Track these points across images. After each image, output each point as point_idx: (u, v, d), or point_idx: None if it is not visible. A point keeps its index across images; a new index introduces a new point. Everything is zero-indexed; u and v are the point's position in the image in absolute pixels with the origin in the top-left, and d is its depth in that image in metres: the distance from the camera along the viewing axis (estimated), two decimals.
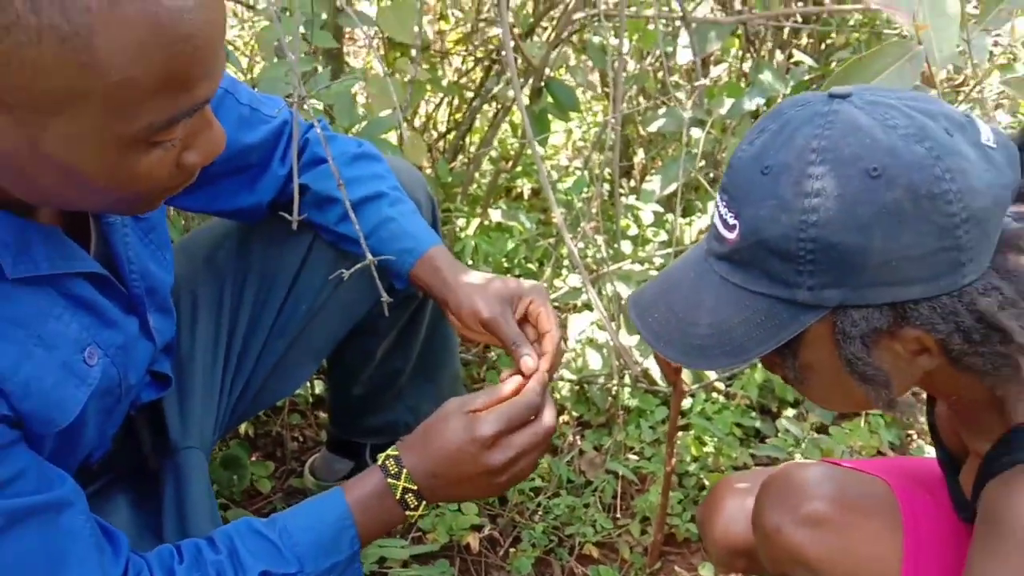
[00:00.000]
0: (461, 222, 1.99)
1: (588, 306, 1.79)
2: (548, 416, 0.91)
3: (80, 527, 0.76)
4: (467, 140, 2.30)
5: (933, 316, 0.65)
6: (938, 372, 0.71)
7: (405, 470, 0.89)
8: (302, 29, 1.37)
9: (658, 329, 0.74)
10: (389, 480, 0.89)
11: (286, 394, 1.35)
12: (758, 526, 1.00)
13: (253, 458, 1.56)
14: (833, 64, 1.80)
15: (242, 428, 1.58)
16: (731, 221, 0.69)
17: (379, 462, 0.90)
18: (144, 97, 0.61)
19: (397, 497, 0.88)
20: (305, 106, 1.03)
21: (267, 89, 1.29)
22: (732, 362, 0.71)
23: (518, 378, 0.93)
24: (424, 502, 0.90)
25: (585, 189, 1.80)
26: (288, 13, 1.29)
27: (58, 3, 0.56)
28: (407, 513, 0.90)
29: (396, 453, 0.90)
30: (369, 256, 0.99)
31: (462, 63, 2.33)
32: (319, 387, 1.71)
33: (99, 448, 0.93)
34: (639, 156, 2.35)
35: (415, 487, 0.89)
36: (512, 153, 2.36)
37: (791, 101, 0.70)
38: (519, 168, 2.30)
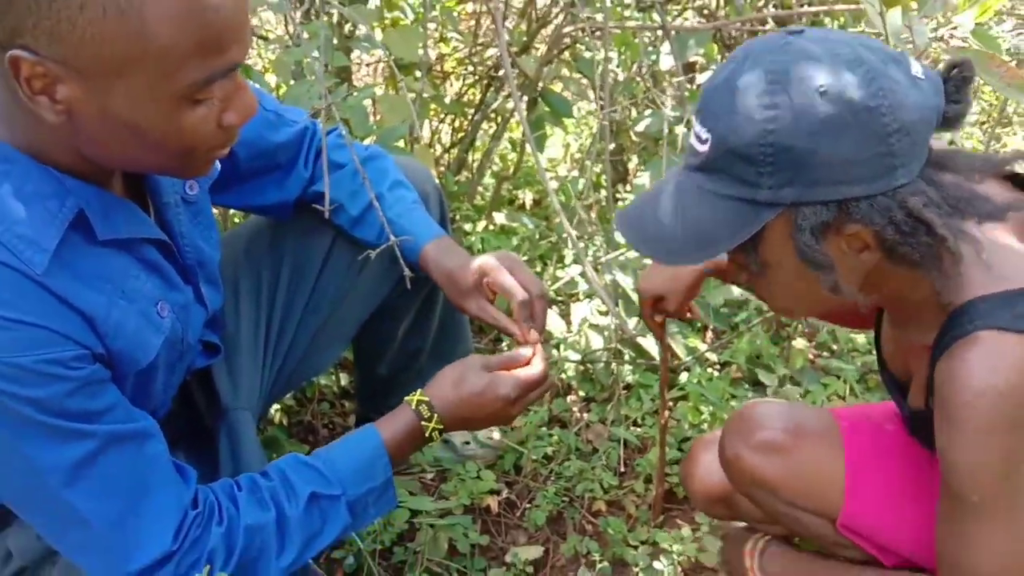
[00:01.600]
0: (468, 226, 2.14)
1: (589, 295, 1.94)
2: (542, 367, 1.12)
3: (161, 454, 0.91)
4: (470, 155, 2.47)
5: (871, 212, 0.78)
6: (878, 270, 0.84)
7: (436, 415, 1.07)
8: (315, 53, 1.54)
9: (641, 234, 0.87)
10: (423, 423, 1.06)
11: (320, 371, 1.51)
12: (722, 457, 1.14)
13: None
14: None
15: (276, 416, 1.73)
16: (704, 136, 0.82)
17: (412, 406, 1.07)
18: (185, 58, 0.76)
19: (427, 435, 1.06)
20: (329, 115, 1.19)
21: (292, 105, 1.46)
22: (704, 255, 0.84)
23: (525, 350, 1.14)
24: (438, 415, 1.07)
25: (580, 185, 1.95)
26: (307, 36, 1.46)
27: None
28: (422, 423, 1.07)
29: (427, 399, 1.07)
30: (393, 238, 1.16)
31: (462, 84, 2.51)
32: (344, 379, 1.86)
33: (162, 407, 1.08)
34: (633, 161, 2.51)
35: (442, 426, 1.06)
36: (512, 166, 2.53)
37: (755, 39, 0.84)
38: (520, 178, 2.46)
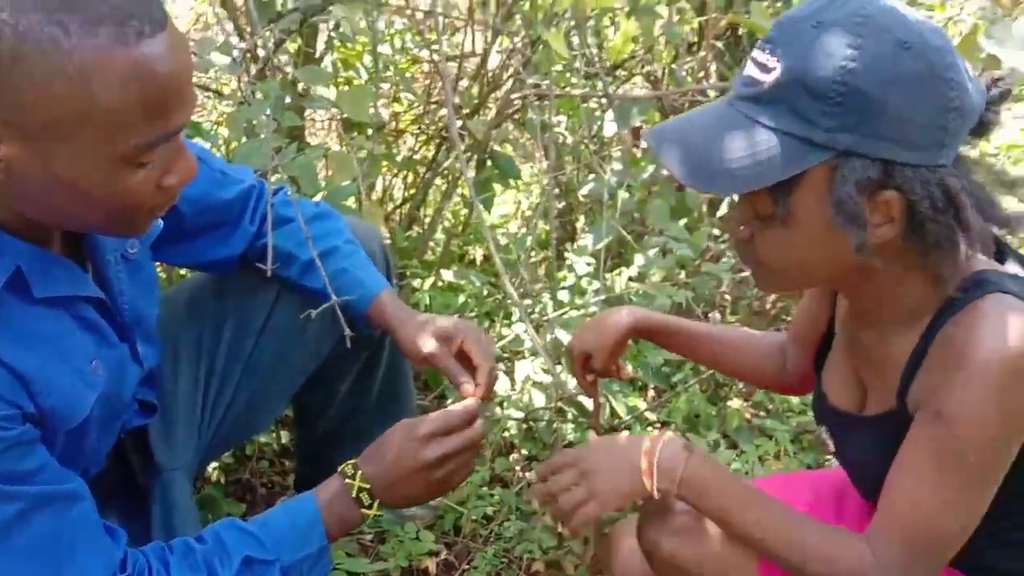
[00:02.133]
0: (417, 282, 2.17)
1: (533, 352, 1.97)
2: (478, 425, 1.09)
3: (90, 516, 0.90)
4: (421, 211, 2.50)
5: (914, 180, 0.79)
6: (887, 248, 0.83)
7: (360, 472, 1.06)
8: (268, 111, 1.57)
9: (676, 152, 0.83)
10: (347, 480, 1.05)
11: (260, 430, 1.50)
12: (641, 544, 1.10)
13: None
14: None
15: (214, 475, 1.71)
16: (772, 64, 0.80)
17: (345, 474, 1.07)
18: (131, 123, 0.78)
19: (353, 495, 1.05)
20: (274, 175, 1.22)
21: (241, 163, 1.48)
22: (739, 188, 0.82)
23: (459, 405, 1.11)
24: (377, 501, 1.05)
25: (528, 244, 2.00)
26: (260, 96, 1.49)
27: (65, 51, 0.74)
28: (362, 511, 1.05)
29: (354, 460, 1.07)
30: (334, 297, 1.17)
31: (415, 141, 2.55)
32: (285, 437, 1.85)
33: (95, 465, 1.07)
34: (581, 221, 2.57)
35: (368, 486, 1.05)
36: (463, 223, 2.57)
37: None
38: (470, 234, 2.50)
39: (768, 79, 0.80)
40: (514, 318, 2.09)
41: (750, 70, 0.83)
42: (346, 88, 1.98)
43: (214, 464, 1.68)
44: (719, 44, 2.11)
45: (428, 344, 1.18)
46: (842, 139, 0.78)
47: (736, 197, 0.89)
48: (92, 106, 0.76)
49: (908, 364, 0.90)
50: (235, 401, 1.31)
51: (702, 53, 2.06)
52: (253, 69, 1.81)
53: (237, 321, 1.31)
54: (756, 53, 0.83)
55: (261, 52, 1.79)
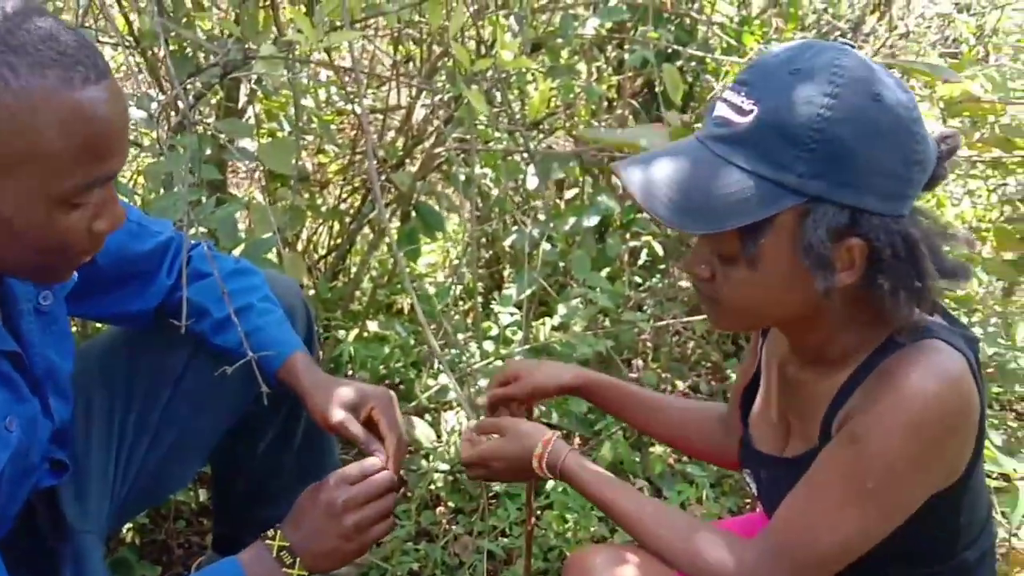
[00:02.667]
0: (342, 333, 2.15)
1: (460, 403, 1.97)
2: (391, 498, 1.10)
3: None
4: (347, 260, 2.50)
5: (879, 229, 0.82)
6: (841, 295, 0.85)
7: (279, 531, 1.05)
8: (187, 164, 1.55)
9: (649, 189, 0.85)
10: (268, 541, 1.03)
11: (176, 488, 1.46)
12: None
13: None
14: None
15: (128, 535, 1.65)
16: (747, 107, 0.82)
17: (268, 538, 1.06)
18: (71, 164, 0.81)
19: (274, 554, 1.03)
20: (192, 230, 1.21)
21: (157, 216, 1.46)
22: (712, 227, 0.83)
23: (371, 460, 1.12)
24: (298, 559, 1.03)
25: (451, 295, 2.01)
26: (178, 149, 1.48)
27: (12, 90, 0.77)
28: (284, 570, 1.03)
29: (279, 532, 1.07)
30: (250, 353, 1.16)
31: (340, 192, 2.56)
32: (203, 495, 1.80)
33: (2, 526, 1.03)
34: (508, 270, 2.60)
35: (287, 543, 1.04)
36: (388, 273, 2.57)
37: (813, 39, 0.88)
38: (397, 284, 2.50)
39: (743, 121, 0.82)
40: (439, 368, 2.09)
41: (722, 111, 0.84)
42: (268, 140, 1.98)
43: (128, 524, 1.62)
44: (635, 103, 2.19)
45: (336, 414, 1.17)
46: (814, 185, 0.80)
47: (696, 236, 0.91)
48: (36, 145, 0.79)
49: (833, 401, 0.92)
50: (150, 460, 1.28)
51: (619, 111, 2.13)
52: (173, 120, 1.80)
53: (151, 377, 1.29)
54: (729, 94, 0.84)
55: (181, 104, 1.78)
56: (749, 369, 1.14)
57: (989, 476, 1.41)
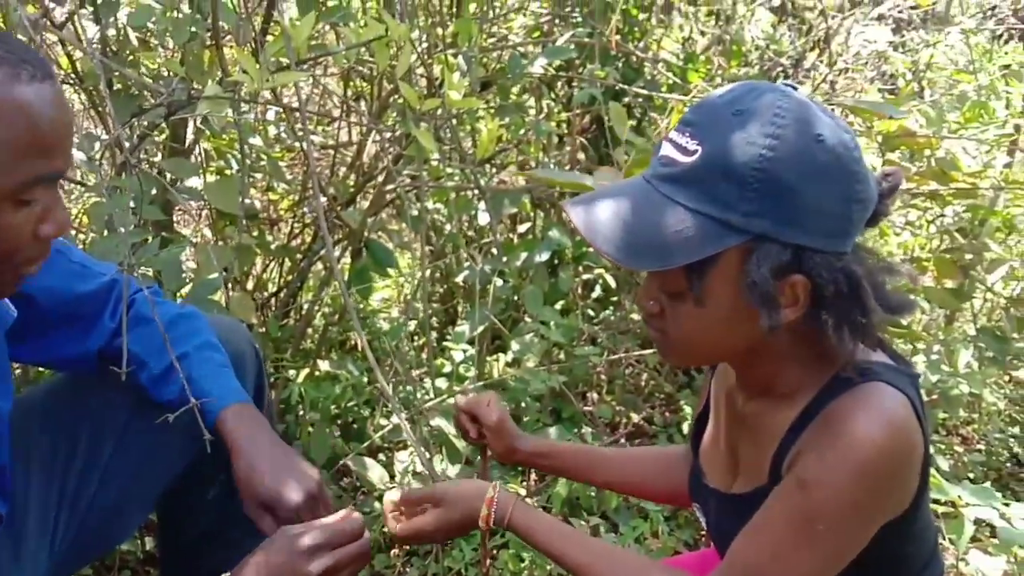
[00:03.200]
0: (292, 372, 2.12)
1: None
2: (366, 538, 1.05)
3: None
4: (299, 297, 2.47)
5: (822, 266, 0.83)
6: (786, 330, 0.87)
7: None
8: (131, 204, 1.53)
9: (596, 227, 0.86)
10: None
11: (120, 540, 1.41)
12: None
13: None
14: None
15: None
16: (692, 147, 0.83)
17: None
18: (19, 157, 0.83)
19: None
20: (135, 273, 1.18)
21: (99, 258, 1.43)
22: (658, 264, 0.85)
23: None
24: None
25: (407, 331, 2.00)
26: (119, 191, 1.46)
27: None
28: None
29: (230, 572, 1.02)
30: (192, 400, 1.13)
31: (292, 228, 2.53)
32: (149, 543, 1.74)
33: None
34: (462, 305, 2.60)
35: None
36: (340, 309, 2.54)
37: (757, 81, 0.89)
38: (349, 321, 2.47)
39: (687, 161, 0.84)
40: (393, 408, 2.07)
41: (668, 150, 0.86)
42: (215, 179, 1.95)
43: None
44: (583, 139, 2.21)
45: (248, 506, 1.17)
46: (757, 224, 0.82)
47: (644, 273, 0.92)
48: None
49: (783, 440, 0.93)
50: (92, 511, 1.23)
51: (568, 147, 2.16)
52: (119, 159, 1.77)
53: (94, 425, 1.25)
54: (674, 135, 0.86)
55: (127, 143, 1.76)
56: (701, 400, 1.16)
57: (936, 502, 1.43)
